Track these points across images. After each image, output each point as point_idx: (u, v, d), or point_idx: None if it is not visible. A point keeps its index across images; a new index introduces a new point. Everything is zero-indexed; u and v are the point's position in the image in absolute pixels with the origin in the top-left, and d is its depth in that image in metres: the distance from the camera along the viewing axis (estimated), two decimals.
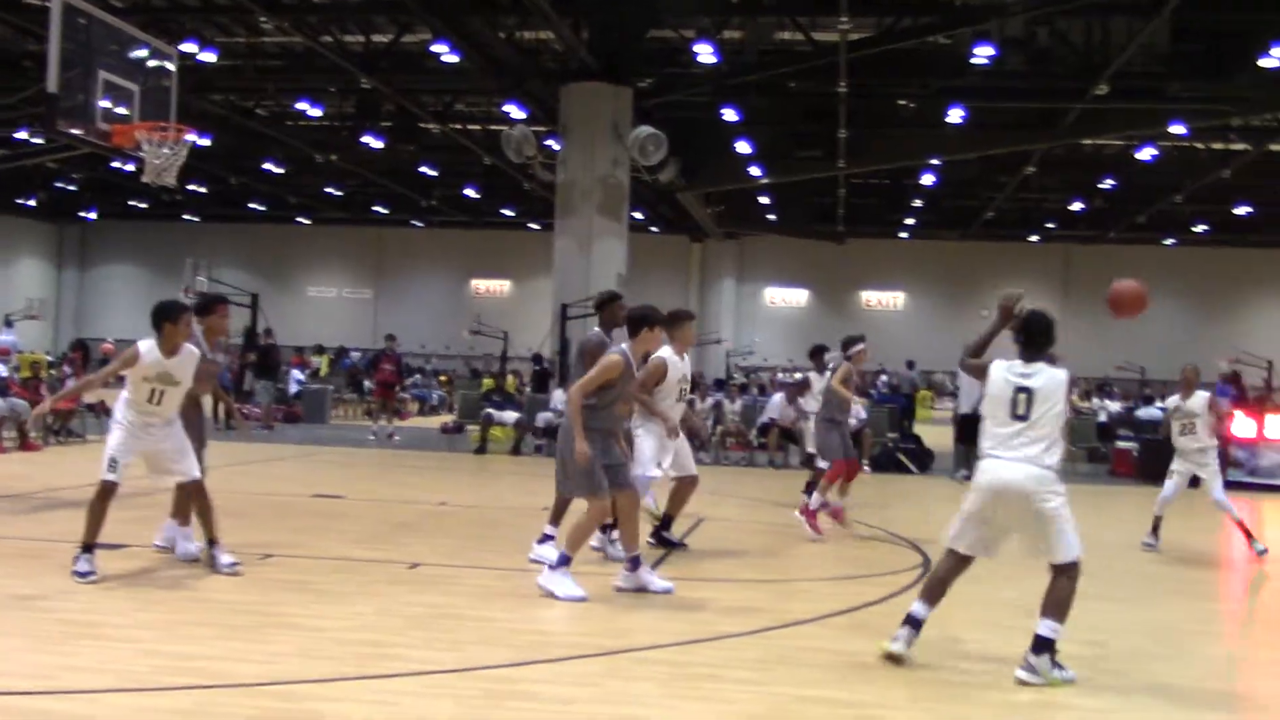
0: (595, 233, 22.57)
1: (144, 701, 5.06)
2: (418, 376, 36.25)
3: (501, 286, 51.94)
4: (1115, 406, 26.04)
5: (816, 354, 14.54)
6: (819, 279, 50.47)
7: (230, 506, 11.09)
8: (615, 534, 8.54)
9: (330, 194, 43.57)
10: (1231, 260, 47.76)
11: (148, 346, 7.61)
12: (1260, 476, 17.75)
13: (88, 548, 7.42)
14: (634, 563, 7.76)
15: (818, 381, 13.76)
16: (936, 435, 21.97)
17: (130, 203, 46.68)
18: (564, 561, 7.53)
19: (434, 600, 7.29)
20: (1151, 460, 18.15)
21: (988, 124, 27.95)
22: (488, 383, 25.95)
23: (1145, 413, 21.03)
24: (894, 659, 5.97)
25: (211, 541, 7.88)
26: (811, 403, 14.05)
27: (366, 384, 26.36)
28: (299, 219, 50.02)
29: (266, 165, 37.11)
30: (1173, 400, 11.50)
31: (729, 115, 27.07)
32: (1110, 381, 42.12)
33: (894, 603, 7.81)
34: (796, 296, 51.69)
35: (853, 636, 6.83)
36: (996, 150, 29.97)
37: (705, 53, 22.43)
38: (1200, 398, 10.98)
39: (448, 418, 25.14)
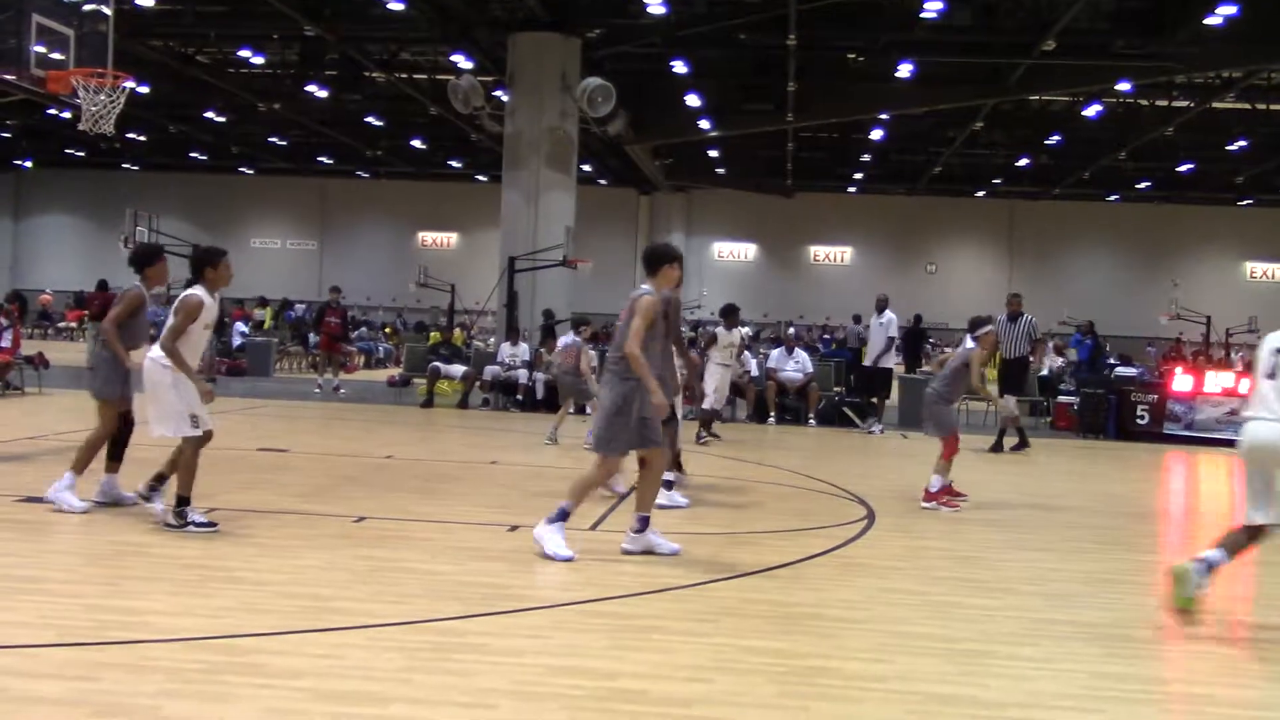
0: (543, 185, 22.45)
1: (86, 656, 5.02)
2: (363, 329, 35.98)
3: (448, 239, 51.61)
4: (1059, 361, 26.33)
5: (729, 313, 15.77)
6: (767, 233, 50.58)
7: None
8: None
9: (274, 144, 42.97)
10: (1173, 216, 48.39)
11: (204, 293, 7.67)
12: (1196, 430, 18.09)
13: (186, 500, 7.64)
14: (643, 523, 7.58)
15: (724, 337, 15.50)
16: None
17: (67, 151, 45.77)
18: (562, 516, 7.41)
19: (380, 554, 7.27)
20: (1091, 413, 18.49)
21: (936, 79, 28.05)
22: (435, 336, 25.83)
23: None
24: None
25: (155, 487, 8.00)
26: (717, 355, 14.93)
27: (311, 337, 26.15)
28: (242, 169, 49.33)
29: (208, 114, 36.50)
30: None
31: (678, 67, 26.97)
32: (1055, 335, 42.61)
33: (837, 555, 7.91)
34: (745, 250, 51.80)
35: (796, 588, 6.91)
36: (944, 105, 30.12)
37: (654, 3, 22.27)
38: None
39: (394, 371, 25.01)
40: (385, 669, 4.98)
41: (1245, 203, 47.29)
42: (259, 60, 30.11)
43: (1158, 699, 5.17)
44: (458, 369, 19.90)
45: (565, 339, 14.62)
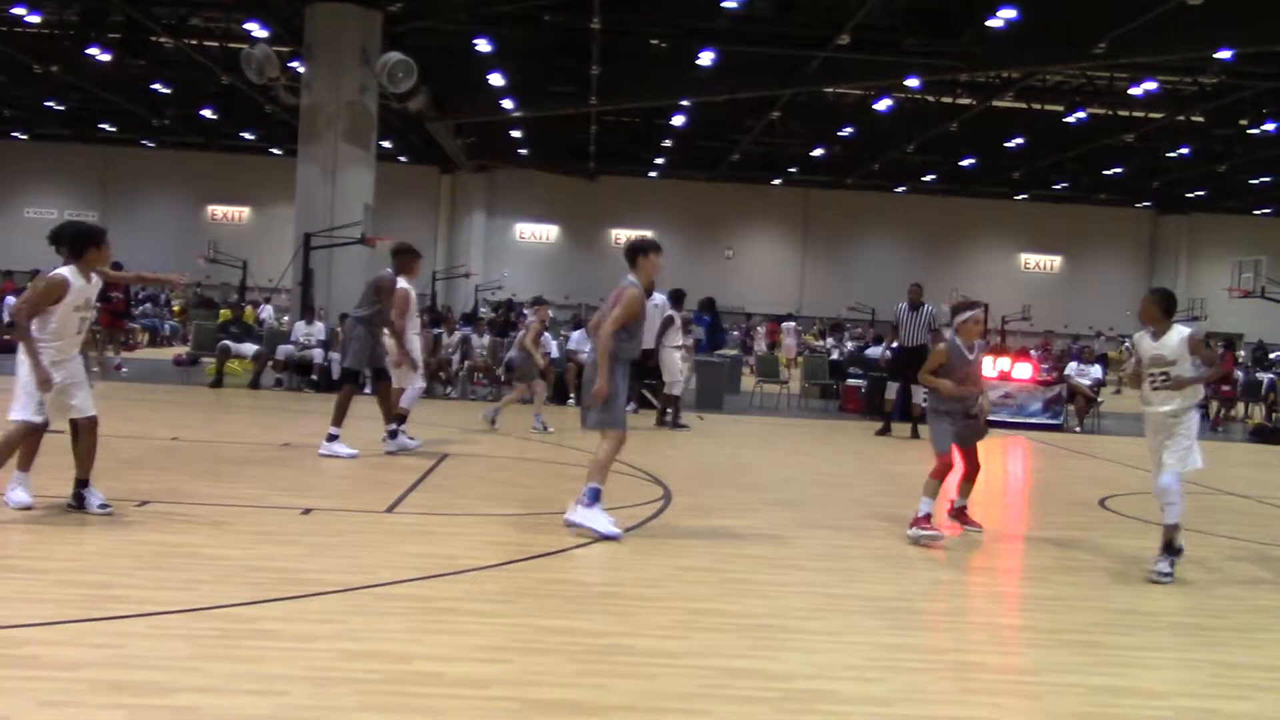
0: (341, 160, 21.93)
1: None
2: (148, 305, 34.48)
3: (240, 213, 49.94)
4: (848, 346, 27.28)
5: (679, 298, 16.77)
6: (569, 215, 50.73)
7: None
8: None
9: (51, 108, 40.64)
10: (956, 208, 50.73)
11: (72, 273, 7.30)
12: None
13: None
14: (593, 496, 7.87)
15: (679, 320, 16.26)
16: None
17: None
18: (595, 496, 7.81)
19: (165, 539, 7.00)
20: (877, 397, 19.22)
21: (736, 68, 28.58)
22: (225, 313, 24.97)
23: (874, 352, 22.12)
24: None
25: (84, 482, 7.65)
26: (675, 337, 15.33)
27: None
28: (14, 133, 46.52)
29: None
30: None
31: (482, 46, 26.73)
32: (843, 321, 44.15)
33: (635, 534, 8.01)
34: (547, 232, 51.81)
35: (594, 568, 6.98)
36: (744, 94, 30.75)
37: None
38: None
39: (181, 349, 24.07)
40: (170, 657, 4.81)
41: (1021, 197, 49.96)
42: (35, 19, 28.38)
43: (934, 668, 5.44)
44: (249, 348, 19.30)
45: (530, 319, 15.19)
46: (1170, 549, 7.64)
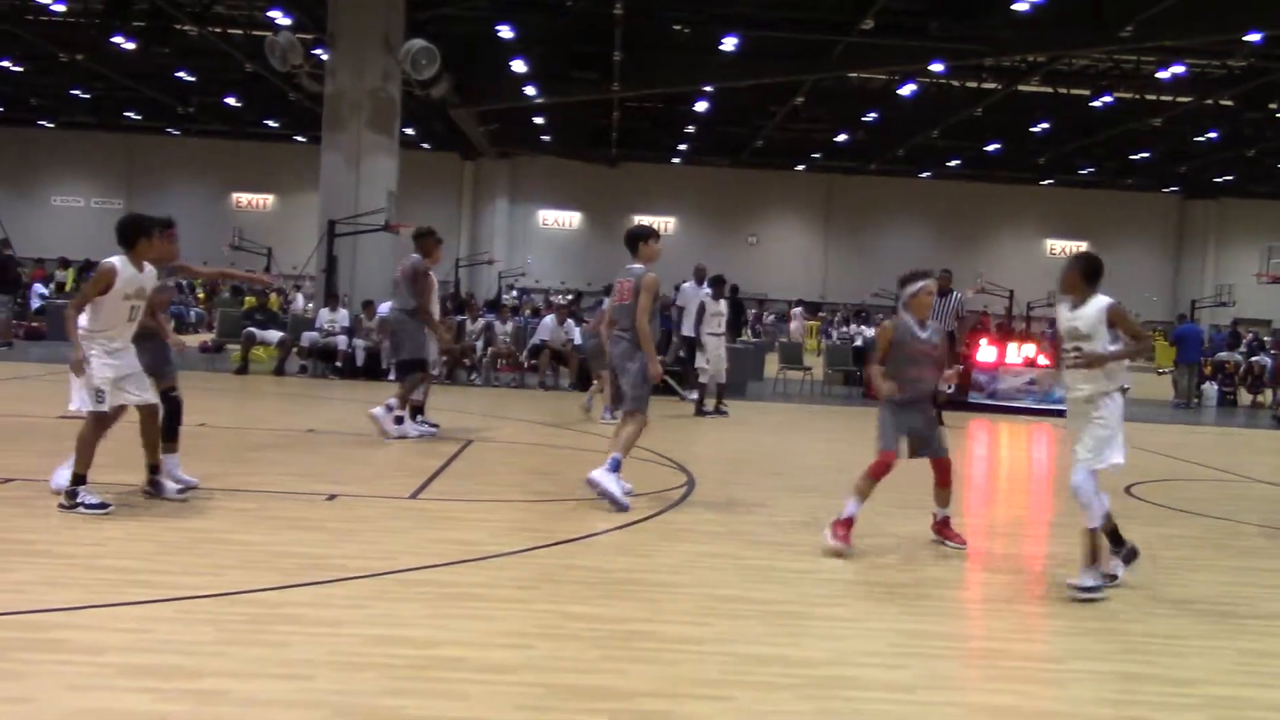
0: (364, 147, 21.96)
1: None
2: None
3: (264, 200, 50.14)
4: (870, 332, 27.20)
5: (716, 283, 16.47)
6: (592, 202, 50.71)
7: None
8: None
9: (77, 96, 40.87)
10: (981, 194, 50.45)
11: (122, 261, 7.32)
12: (1000, 399, 18.95)
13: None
14: (614, 465, 8.23)
15: (711, 306, 16.01)
16: None
17: None
18: (616, 466, 8.18)
19: (191, 525, 7.05)
20: None
21: (759, 53, 28.48)
22: (250, 300, 25.08)
23: None
24: None
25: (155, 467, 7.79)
26: (713, 324, 15.37)
27: None
28: (42, 121, 46.78)
29: (3, 63, 34.47)
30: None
31: (504, 32, 26.71)
32: (867, 308, 44.01)
33: (659, 521, 8.02)
34: (569, 219, 51.82)
35: (617, 554, 6.98)
36: (767, 80, 30.64)
37: None
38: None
39: (206, 336, 24.20)
40: (197, 642, 4.84)
41: (1047, 182, 49.61)
42: (60, 8, 28.51)
43: (957, 654, 5.42)
44: (274, 335, 19.38)
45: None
46: (1095, 558, 6.56)
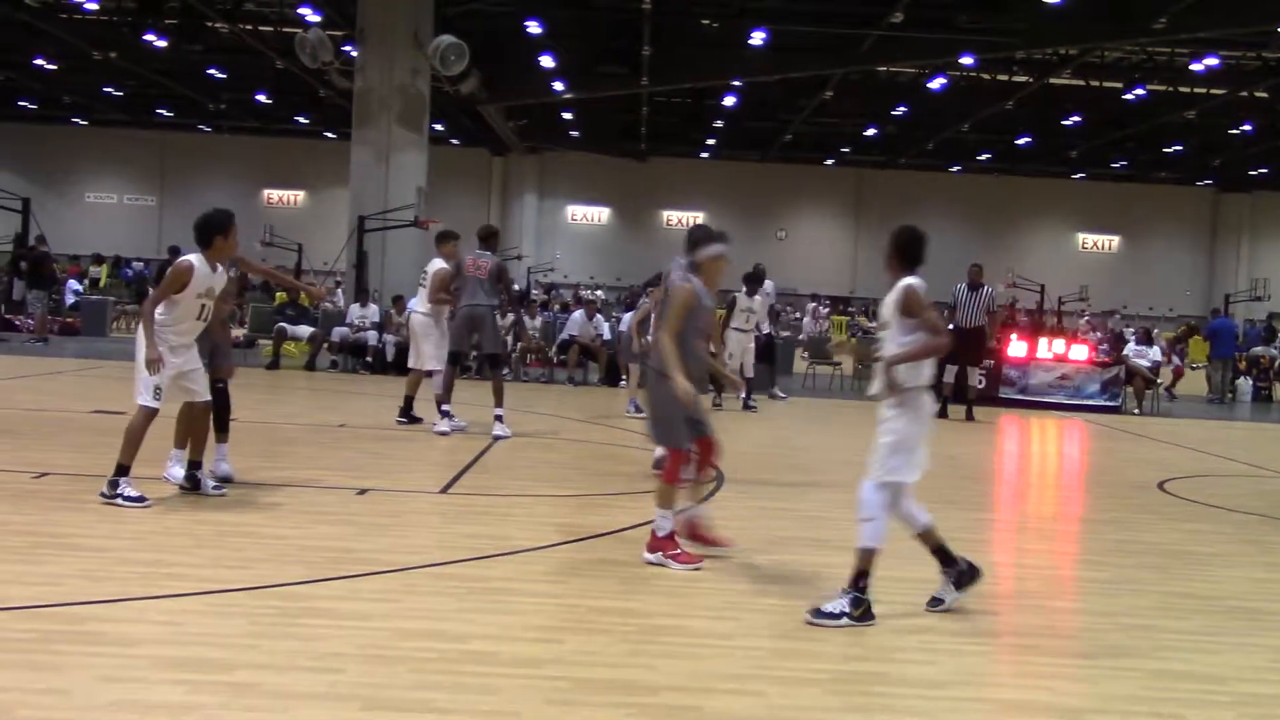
0: (394, 143, 22.04)
1: None
2: None
3: (295, 196, 50.37)
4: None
5: (750, 279, 16.35)
6: (620, 197, 50.67)
7: (2, 423, 10.54)
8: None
9: (109, 94, 41.19)
10: (1012, 188, 50.09)
11: (199, 260, 7.42)
12: (1031, 394, 18.84)
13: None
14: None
15: (742, 302, 15.95)
16: None
17: None
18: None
19: (223, 518, 7.11)
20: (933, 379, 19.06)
21: (788, 47, 28.39)
22: (281, 296, 25.22)
23: None
24: None
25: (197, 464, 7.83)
26: (734, 321, 15.50)
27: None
28: (75, 119, 47.17)
29: (38, 60, 34.77)
30: None
31: (532, 28, 26.73)
32: None
33: (686, 515, 8.00)
34: (598, 214, 51.81)
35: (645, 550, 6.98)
36: (796, 73, 30.52)
37: None
38: None
39: (239, 332, 24.37)
40: (229, 634, 4.88)
41: (1078, 176, 49.23)
42: (93, 6, 28.75)
43: (987, 650, 5.39)
44: (305, 330, 19.50)
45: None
46: (859, 582, 5.56)
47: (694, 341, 6.62)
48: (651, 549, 6.49)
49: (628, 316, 19.71)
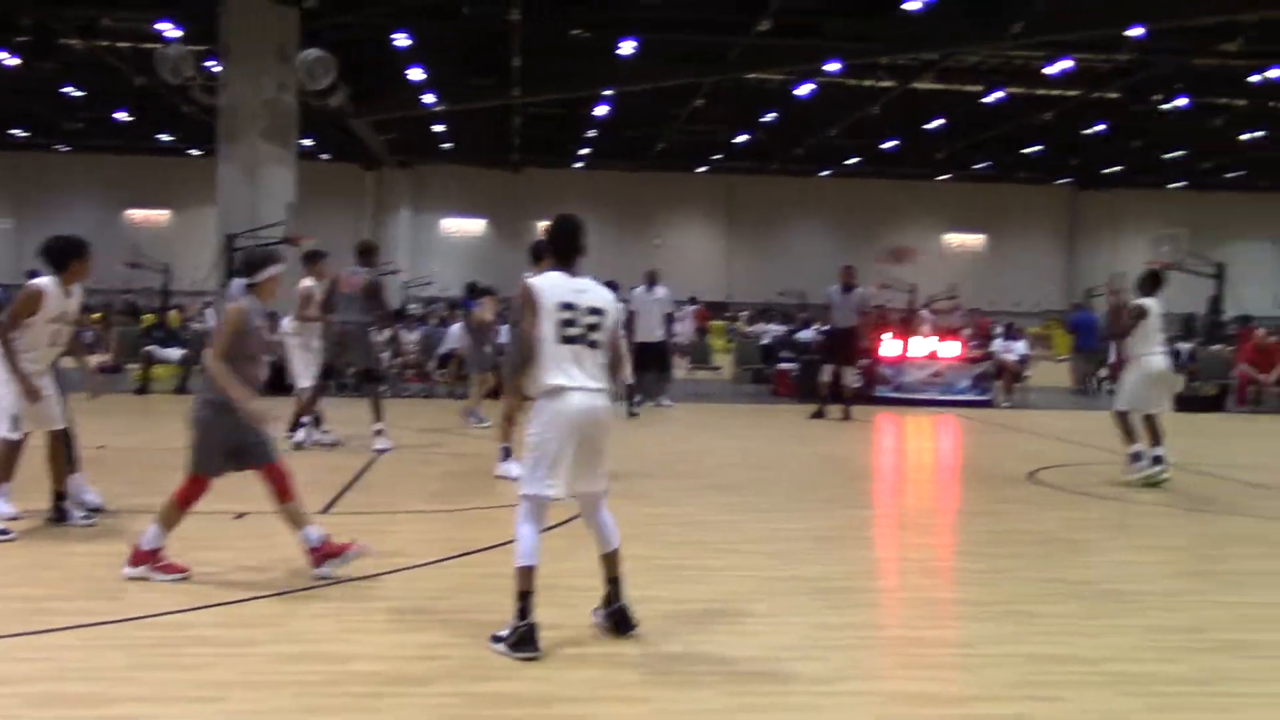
0: (261, 159, 21.60)
1: None
2: None
3: (160, 216, 49.05)
4: (777, 330, 27.44)
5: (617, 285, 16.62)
6: (496, 208, 50.46)
7: None
8: None
9: None
10: (880, 190, 51.16)
11: (51, 284, 7.19)
12: (904, 391, 19.25)
13: None
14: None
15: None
16: None
17: None
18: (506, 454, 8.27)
19: (96, 549, 6.88)
20: (809, 380, 19.37)
21: (659, 57, 28.55)
22: (148, 318, 24.53)
23: (806, 335, 22.20)
24: None
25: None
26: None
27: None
28: None
29: None
30: None
31: (401, 40, 26.47)
32: (772, 307, 44.36)
33: (572, 526, 7.99)
34: (473, 226, 51.51)
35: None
36: (667, 83, 30.72)
37: None
38: None
39: (104, 357, 23.62)
40: (107, 668, 4.73)
41: (944, 178, 50.51)
42: None
43: (873, 644, 5.50)
44: (174, 353, 18.98)
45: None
46: (519, 605, 5.12)
47: (244, 366, 6.34)
48: (134, 562, 6.21)
49: (505, 328, 19.63)
